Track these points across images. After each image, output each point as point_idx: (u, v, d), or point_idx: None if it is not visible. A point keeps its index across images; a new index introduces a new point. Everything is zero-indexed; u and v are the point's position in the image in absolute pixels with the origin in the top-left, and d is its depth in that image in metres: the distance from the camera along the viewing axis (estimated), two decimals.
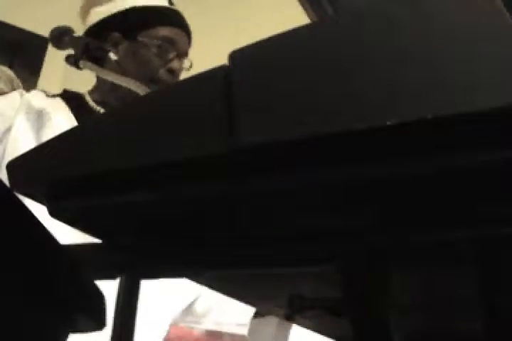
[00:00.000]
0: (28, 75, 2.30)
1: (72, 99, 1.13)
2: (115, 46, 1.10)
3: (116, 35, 1.11)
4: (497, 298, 0.31)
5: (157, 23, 1.11)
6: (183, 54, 1.13)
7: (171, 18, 1.13)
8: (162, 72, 1.10)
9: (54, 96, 1.13)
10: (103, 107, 1.11)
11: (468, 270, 0.32)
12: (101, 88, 1.13)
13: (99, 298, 0.31)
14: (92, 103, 1.12)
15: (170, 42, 1.11)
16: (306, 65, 0.24)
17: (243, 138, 0.24)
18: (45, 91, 1.14)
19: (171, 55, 1.10)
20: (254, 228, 0.32)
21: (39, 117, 1.03)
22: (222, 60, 0.26)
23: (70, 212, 0.32)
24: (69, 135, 0.31)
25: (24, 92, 1.09)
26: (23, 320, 0.25)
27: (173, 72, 1.10)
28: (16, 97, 1.06)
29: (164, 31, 1.11)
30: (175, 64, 1.11)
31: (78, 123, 1.07)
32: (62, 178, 0.30)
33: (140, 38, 1.09)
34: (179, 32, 1.13)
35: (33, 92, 1.12)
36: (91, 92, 1.15)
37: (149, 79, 1.06)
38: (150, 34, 1.10)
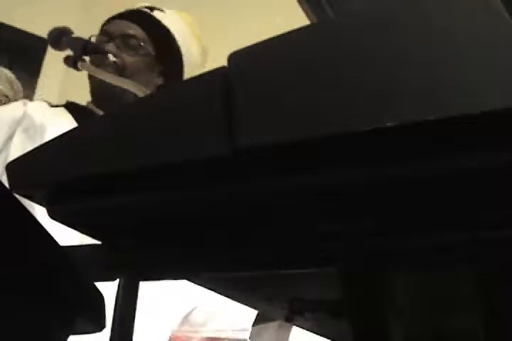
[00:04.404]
0: (28, 77, 2.30)
1: (76, 110, 1.12)
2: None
3: None
4: (497, 298, 0.31)
5: None
6: None
7: None
8: None
9: (57, 106, 1.13)
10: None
11: (468, 271, 0.32)
12: (101, 95, 1.12)
13: (99, 299, 0.31)
14: (96, 110, 1.12)
15: None
16: (306, 67, 0.24)
17: (243, 139, 0.24)
18: (48, 102, 1.14)
19: None
20: (254, 229, 0.32)
21: (41, 128, 1.03)
22: (222, 61, 0.26)
23: (69, 213, 0.32)
24: (68, 136, 0.31)
25: (27, 102, 1.09)
26: (23, 321, 0.25)
27: None
28: (19, 108, 1.06)
29: None
30: None
31: None
32: (61, 180, 0.30)
33: None
34: None
35: (36, 103, 1.12)
36: (94, 101, 1.14)
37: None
38: None
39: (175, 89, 0.28)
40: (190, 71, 1.18)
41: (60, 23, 1.10)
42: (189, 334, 0.95)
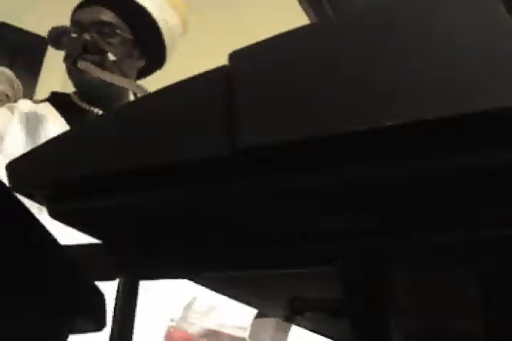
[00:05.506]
0: (28, 76, 2.30)
1: (60, 101, 1.12)
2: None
3: None
4: (497, 298, 0.31)
5: None
6: None
7: None
8: None
9: (42, 101, 1.13)
10: (92, 106, 1.10)
11: (468, 270, 0.32)
12: (86, 87, 1.11)
13: (99, 299, 0.31)
14: (80, 103, 1.11)
15: None
16: (306, 66, 0.24)
17: (243, 138, 0.24)
18: (31, 99, 1.14)
19: None
20: (254, 229, 0.32)
21: (30, 128, 1.03)
22: (222, 60, 0.26)
23: (70, 212, 0.32)
24: (68, 136, 0.31)
25: (13, 107, 1.08)
26: (23, 321, 0.25)
27: None
28: (6, 111, 1.06)
29: None
30: None
31: (69, 124, 1.07)
32: (61, 179, 0.30)
33: None
34: None
35: (20, 102, 1.12)
36: (77, 92, 1.14)
37: None
38: None
39: (175, 88, 0.28)
40: (171, 43, 1.14)
41: (60, 23, 1.10)
42: (193, 321, 0.95)
